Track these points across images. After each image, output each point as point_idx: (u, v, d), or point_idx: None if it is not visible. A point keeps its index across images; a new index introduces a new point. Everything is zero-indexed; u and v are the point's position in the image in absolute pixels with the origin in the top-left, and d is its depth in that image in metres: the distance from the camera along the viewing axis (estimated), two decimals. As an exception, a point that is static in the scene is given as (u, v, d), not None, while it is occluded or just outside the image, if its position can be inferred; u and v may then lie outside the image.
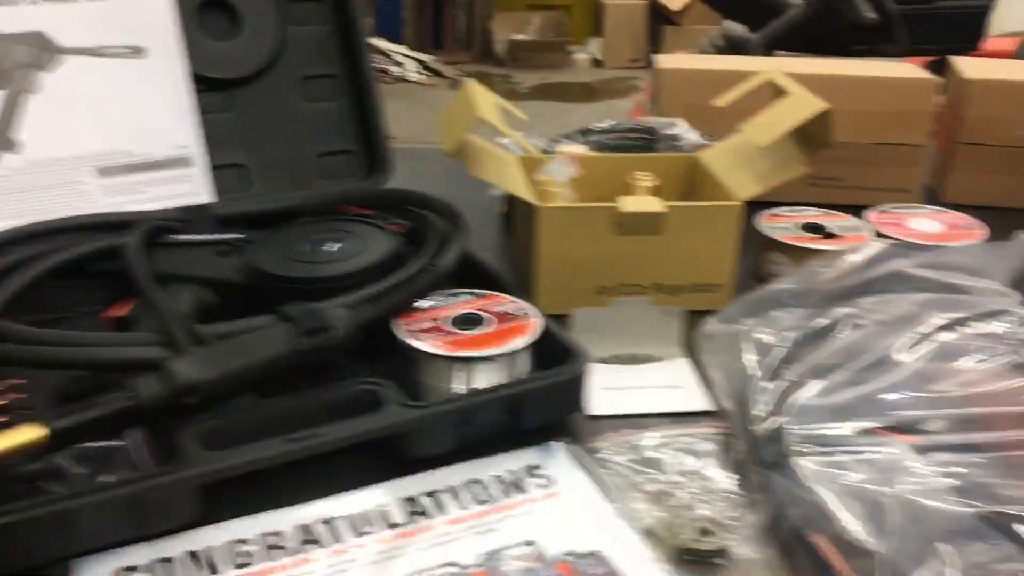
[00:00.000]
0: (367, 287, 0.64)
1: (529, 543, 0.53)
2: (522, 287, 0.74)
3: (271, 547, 0.52)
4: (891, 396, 0.61)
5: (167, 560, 0.51)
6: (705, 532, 0.54)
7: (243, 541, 0.53)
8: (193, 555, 0.52)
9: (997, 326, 0.68)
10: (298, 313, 0.61)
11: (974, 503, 0.52)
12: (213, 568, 0.51)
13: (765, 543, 0.54)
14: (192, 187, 0.80)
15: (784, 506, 0.55)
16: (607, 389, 0.69)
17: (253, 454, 0.54)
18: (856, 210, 0.90)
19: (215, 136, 0.81)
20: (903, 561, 0.49)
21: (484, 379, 0.62)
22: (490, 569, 0.51)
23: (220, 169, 0.81)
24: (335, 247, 0.71)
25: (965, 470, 0.55)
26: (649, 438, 0.63)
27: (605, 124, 1.03)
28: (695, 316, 0.76)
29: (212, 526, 0.53)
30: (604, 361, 0.73)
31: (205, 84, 0.80)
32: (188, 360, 0.56)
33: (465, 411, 0.59)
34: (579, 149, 0.97)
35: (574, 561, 0.52)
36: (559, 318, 0.72)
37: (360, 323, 0.62)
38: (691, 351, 0.74)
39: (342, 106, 0.87)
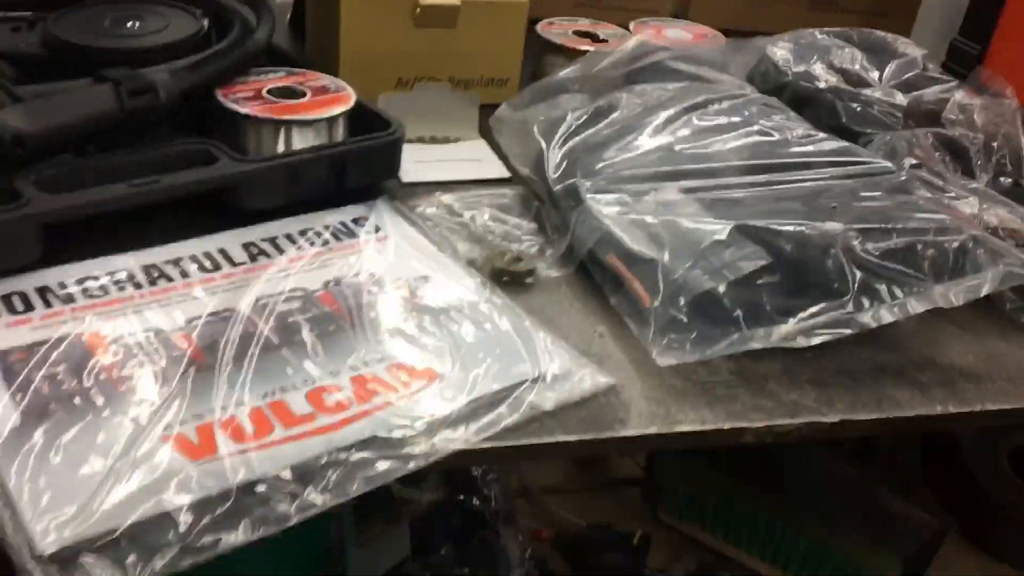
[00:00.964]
0: (184, 59, 0.65)
1: (368, 274, 0.60)
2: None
3: (119, 283, 0.55)
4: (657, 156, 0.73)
5: (17, 294, 0.53)
6: (516, 260, 0.63)
7: (94, 278, 0.55)
8: (43, 290, 0.53)
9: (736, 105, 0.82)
10: (121, 75, 0.61)
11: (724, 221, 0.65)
12: (69, 298, 0.53)
13: (565, 266, 0.65)
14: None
15: (580, 237, 0.65)
16: (417, 162, 0.76)
17: (94, 196, 0.56)
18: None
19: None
20: (675, 263, 0.61)
21: (305, 142, 0.67)
22: (335, 292, 0.57)
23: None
24: (136, 24, 0.70)
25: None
26: (460, 198, 0.71)
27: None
28: (487, 109, 0.83)
29: (60, 266, 0.55)
30: (410, 141, 0.79)
31: None
32: (10, 113, 0.56)
33: (293, 167, 0.63)
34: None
35: (411, 282, 0.59)
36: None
37: (183, 88, 0.63)
38: (486, 135, 0.82)
39: None
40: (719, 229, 0.62)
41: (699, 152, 0.73)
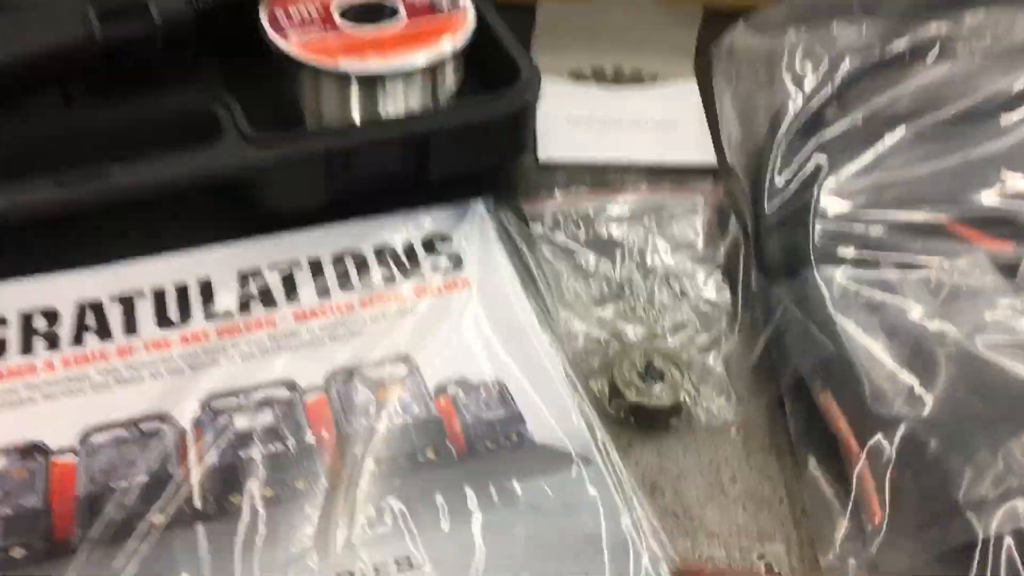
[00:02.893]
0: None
1: (402, 359, 0.36)
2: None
3: (38, 332, 0.37)
4: (986, 174, 0.41)
5: None
6: (652, 370, 0.37)
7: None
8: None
9: None
10: (94, -20, 0.40)
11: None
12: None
13: (746, 394, 0.37)
14: None
15: (785, 338, 0.37)
16: (573, 122, 0.49)
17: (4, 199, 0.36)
18: None
19: None
20: (952, 452, 0.32)
21: (391, 104, 0.42)
22: (332, 397, 0.35)
23: None
24: None
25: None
26: (617, 205, 0.44)
27: None
28: (716, 22, 0.53)
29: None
30: (576, 76, 0.52)
31: None
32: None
33: (338, 154, 0.40)
34: None
35: (460, 395, 0.35)
36: (515, 9, 0.49)
37: (196, 6, 0.41)
38: (703, 72, 0.52)
39: None
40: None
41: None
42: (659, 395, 0.35)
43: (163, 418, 0.34)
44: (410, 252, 0.41)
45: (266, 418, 0.34)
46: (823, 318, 0.36)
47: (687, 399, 0.36)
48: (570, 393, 0.35)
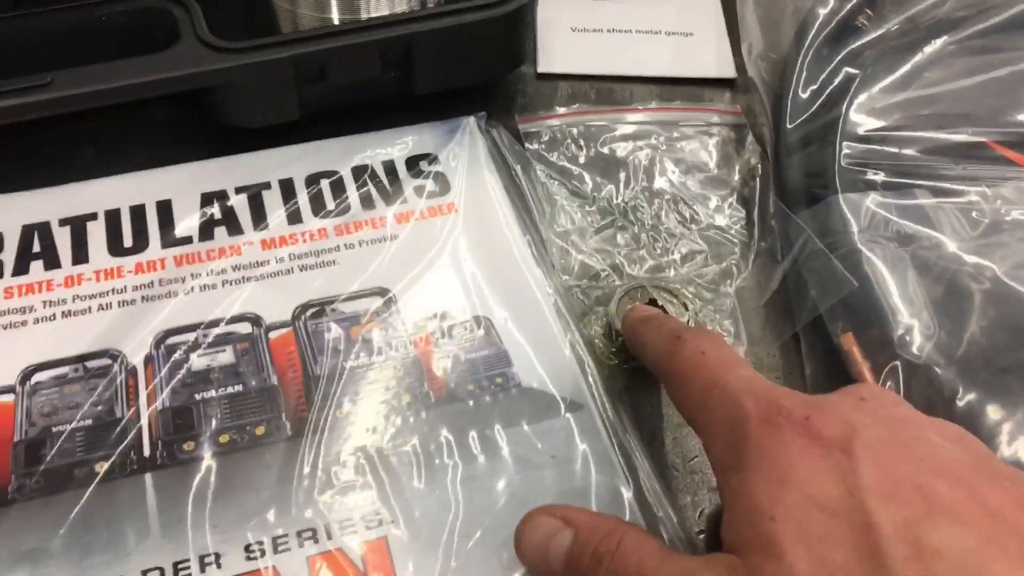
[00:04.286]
0: None
1: (381, 293, 0.33)
2: None
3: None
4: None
5: None
6: (654, 307, 0.33)
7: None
8: None
9: None
10: None
11: None
12: None
13: (758, 334, 0.34)
14: None
15: (804, 272, 0.33)
16: (578, 30, 0.44)
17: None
18: None
19: None
20: (982, 397, 0.29)
21: (372, 5, 0.38)
22: (300, 334, 0.32)
23: None
24: None
25: None
26: (624, 126, 0.40)
27: None
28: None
29: None
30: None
31: None
32: None
33: (308, 59, 0.35)
34: None
35: (440, 332, 0.32)
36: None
37: None
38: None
39: None
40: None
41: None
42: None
43: (111, 355, 0.31)
44: (391, 172, 0.37)
45: (225, 356, 0.31)
46: (848, 251, 0.32)
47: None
48: (561, 332, 0.32)
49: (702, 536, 0.29)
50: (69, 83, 0.33)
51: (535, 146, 0.39)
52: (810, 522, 0.21)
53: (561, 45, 0.43)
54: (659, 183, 0.37)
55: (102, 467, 0.28)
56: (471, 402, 0.30)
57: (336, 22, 0.38)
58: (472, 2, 0.37)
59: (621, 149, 0.39)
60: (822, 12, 0.40)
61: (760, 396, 0.23)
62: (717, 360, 0.25)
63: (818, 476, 0.21)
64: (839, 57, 0.39)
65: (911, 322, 0.30)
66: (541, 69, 0.42)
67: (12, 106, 0.32)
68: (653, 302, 0.32)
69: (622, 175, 0.38)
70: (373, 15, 0.38)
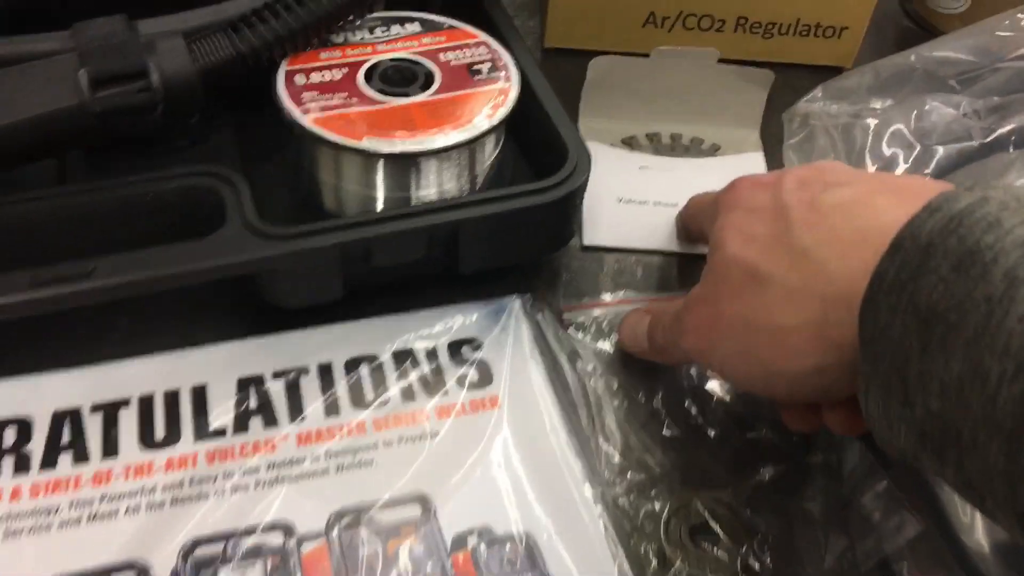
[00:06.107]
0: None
1: (421, 500, 0.32)
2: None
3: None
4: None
5: None
6: (703, 527, 0.31)
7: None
8: None
9: None
10: (97, 38, 0.35)
11: None
12: None
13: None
14: None
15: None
16: (625, 200, 0.44)
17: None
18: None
19: None
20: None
21: (420, 184, 0.38)
22: (333, 547, 0.30)
23: None
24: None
25: None
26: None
27: None
28: (788, 85, 0.48)
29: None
30: (629, 144, 0.46)
31: None
32: None
33: (355, 245, 0.35)
34: None
35: (481, 551, 0.30)
36: (566, 54, 0.44)
37: (202, 69, 0.36)
38: (771, 143, 0.47)
39: None
40: None
41: None
42: (713, 564, 0.30)
43: (139, 569, 0.29)
44: (433, 358, 0.36)
45: (255, 573, 0.29)
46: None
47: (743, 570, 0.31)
48: (609, 556, 0.30)
49: None
50: (111, 272, 0.32)
51: (580, 336, 0.37)
52: (743, 220, 0.30)
53: (607, 216, 0.42)
54: (711, 384, 0.36)
55: None
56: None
57: (380, 201, 0.37)
58: (522, 187, 0.36)
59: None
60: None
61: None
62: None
63: (755, 195, 0.31)
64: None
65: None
66: (587, 242, 0.42)
67: (52, 296, 0.31)
68: (704, 526, 0.31)
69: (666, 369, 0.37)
70: (421, 195, 0.37)
